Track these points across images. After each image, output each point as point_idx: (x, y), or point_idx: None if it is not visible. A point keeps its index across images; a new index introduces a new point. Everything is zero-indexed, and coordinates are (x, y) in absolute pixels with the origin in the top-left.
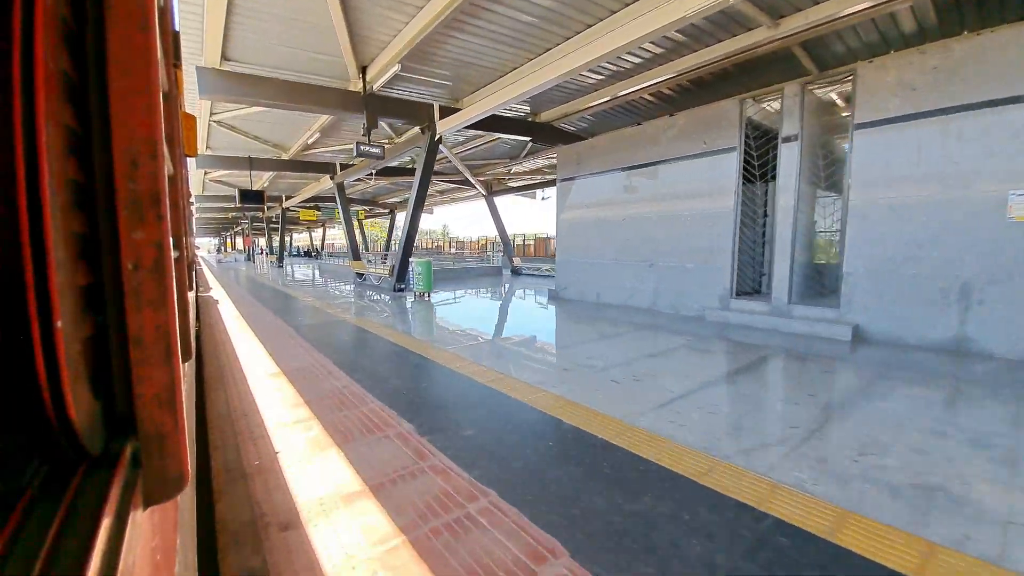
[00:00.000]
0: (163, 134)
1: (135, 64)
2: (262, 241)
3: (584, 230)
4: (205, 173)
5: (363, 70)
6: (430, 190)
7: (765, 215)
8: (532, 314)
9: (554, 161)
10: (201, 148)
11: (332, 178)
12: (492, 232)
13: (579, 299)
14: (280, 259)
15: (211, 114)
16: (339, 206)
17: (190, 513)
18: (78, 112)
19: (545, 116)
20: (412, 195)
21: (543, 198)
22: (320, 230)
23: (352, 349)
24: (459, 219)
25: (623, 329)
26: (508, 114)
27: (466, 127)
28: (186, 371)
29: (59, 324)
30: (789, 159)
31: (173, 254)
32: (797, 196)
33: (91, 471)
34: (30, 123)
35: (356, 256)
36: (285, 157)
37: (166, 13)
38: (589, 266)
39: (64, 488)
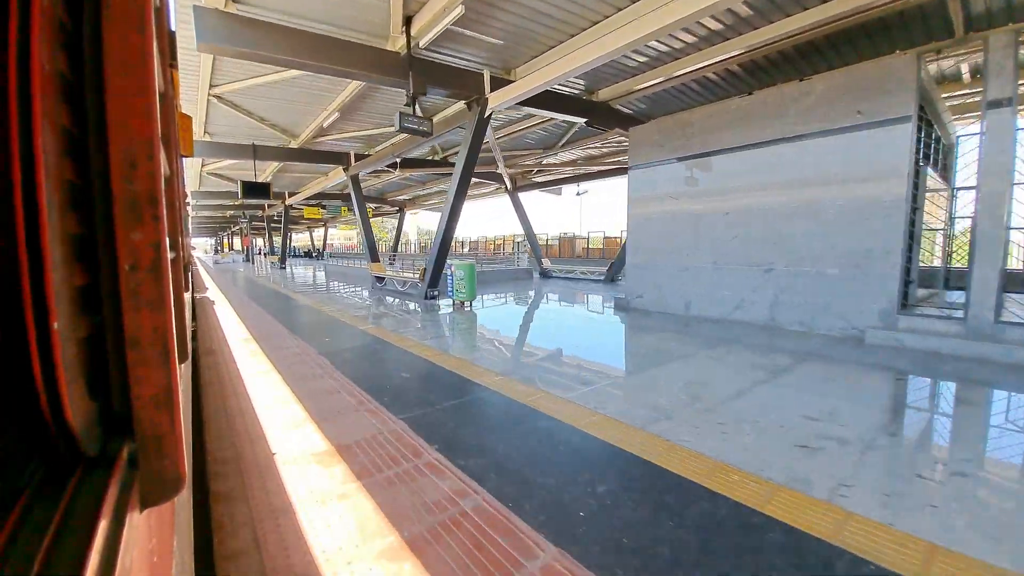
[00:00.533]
0: (160, 134)
1: (132, 65)
2: (259, 241)
3: (667, 227)
4: (203, 165)
5: (407, 22)
6: (442, 186)
7: (915, 207)
8: (620, 332)
9: (592, 151)
10: (199, 133)
11: (345, 170)
12: (495, 232)
13: (660, 310)
14: (282, 260)
15: (210, 87)
16: (353, 202)
17: (186, 515)
18: (75, 113)
19: (604, 94)
20: (453, 185)
21: (579, 193)
22: (320, 230)
23: (424, 396)
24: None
25: (783, 360)
26: (563, 90)
27: (519, 103)
28: (182, 372)
29: (55, 325)
30: (1001, 129)
31: (170, 255)
32: (1012, 178)
33: (88, 472)
34: (27, 125)
35: (374, 257)
36: (294, 145)
37: (162, 13)
38: (674, 270)
39: (61, 490)
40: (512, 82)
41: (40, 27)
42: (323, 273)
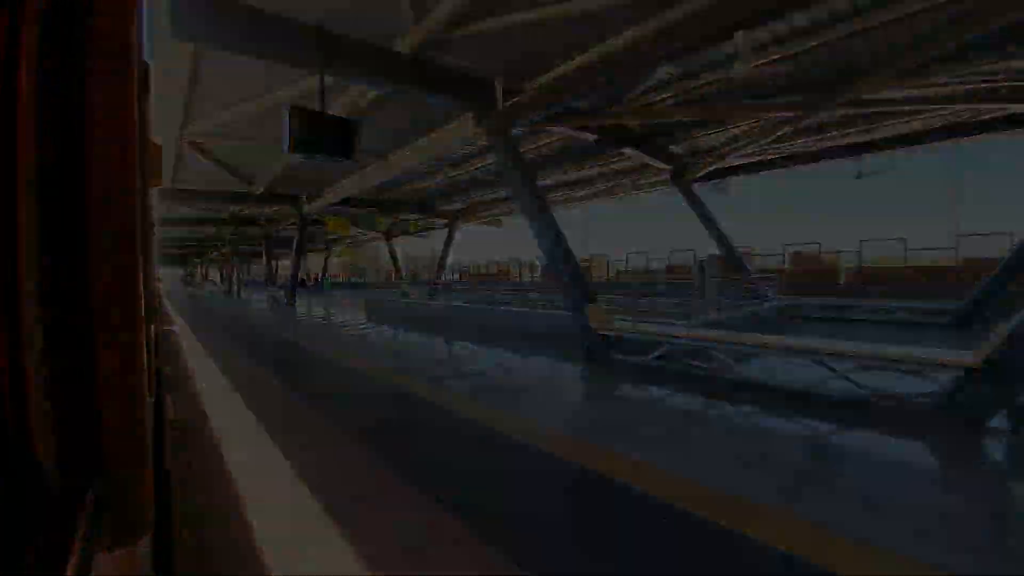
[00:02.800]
0: (137, 170)
1: (112, 102)
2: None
3: None
4: (183, 121)
5: None
6: (552, 179)
7: None
8: None
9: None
10: None
11: (480, 119)
12: (490, 256)
13: None
14: (292, 295)
15: None
16: (518, 181)
17: (147, 560)
18: (55, 149)
19: None
20: None
21: (860, 175)
22: (311, 252)
23: None
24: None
25: None
26: None
27: None
28: (149, 408)
29: (28, 361)
30: None
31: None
32: None
33: (53, 512)
34: (10, 160)
35: (586, 294)
36: (403, 46)
37: (140, 46)
38: None
39: (26, 531)
40: None
41: (26, 65)
42: (365, 315)
